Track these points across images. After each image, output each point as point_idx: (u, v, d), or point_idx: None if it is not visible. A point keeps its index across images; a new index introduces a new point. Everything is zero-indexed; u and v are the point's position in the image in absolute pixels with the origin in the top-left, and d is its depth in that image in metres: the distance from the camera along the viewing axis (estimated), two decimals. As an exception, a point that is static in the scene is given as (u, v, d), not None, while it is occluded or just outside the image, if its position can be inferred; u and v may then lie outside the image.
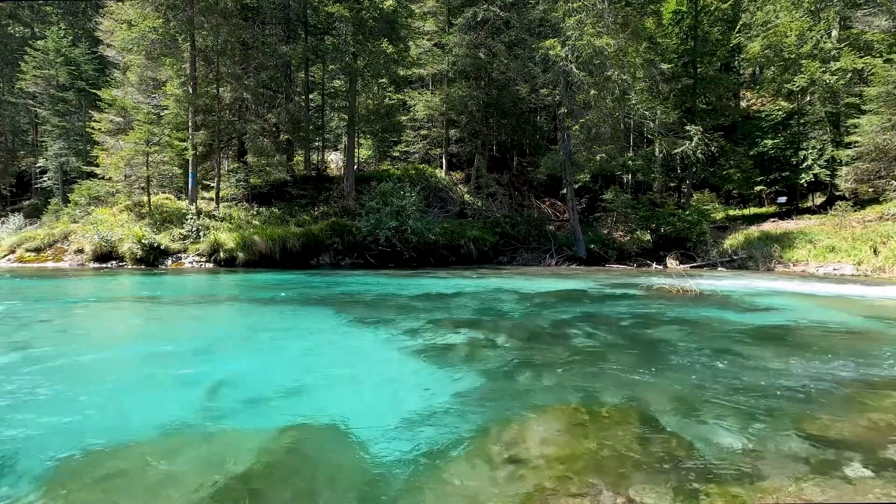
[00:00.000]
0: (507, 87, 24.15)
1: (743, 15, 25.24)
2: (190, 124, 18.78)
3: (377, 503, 2.62)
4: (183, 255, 16.90)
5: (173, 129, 18.98)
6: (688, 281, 11.49)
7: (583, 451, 3.14)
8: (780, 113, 23.25)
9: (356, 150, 25.42)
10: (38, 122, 29.87)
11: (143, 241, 16.32)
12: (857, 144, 18.60)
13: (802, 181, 21.68)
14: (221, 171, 20.24)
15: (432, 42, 25.59)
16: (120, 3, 20.48)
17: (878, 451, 3.15)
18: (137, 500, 2.61)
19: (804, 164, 21.37)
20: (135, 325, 7.85)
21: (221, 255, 16.50)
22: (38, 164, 28.95)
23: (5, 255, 17.80)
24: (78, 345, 6.22)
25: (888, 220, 17.41)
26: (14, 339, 6.30)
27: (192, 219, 17.58)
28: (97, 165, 20.27)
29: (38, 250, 17.77)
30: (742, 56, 25.93)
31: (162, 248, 16.67)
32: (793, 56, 21.65)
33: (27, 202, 30.14)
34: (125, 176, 19.60)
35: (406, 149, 27.72)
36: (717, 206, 25.84)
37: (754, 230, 20.44)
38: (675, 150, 21.71)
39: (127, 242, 16.41)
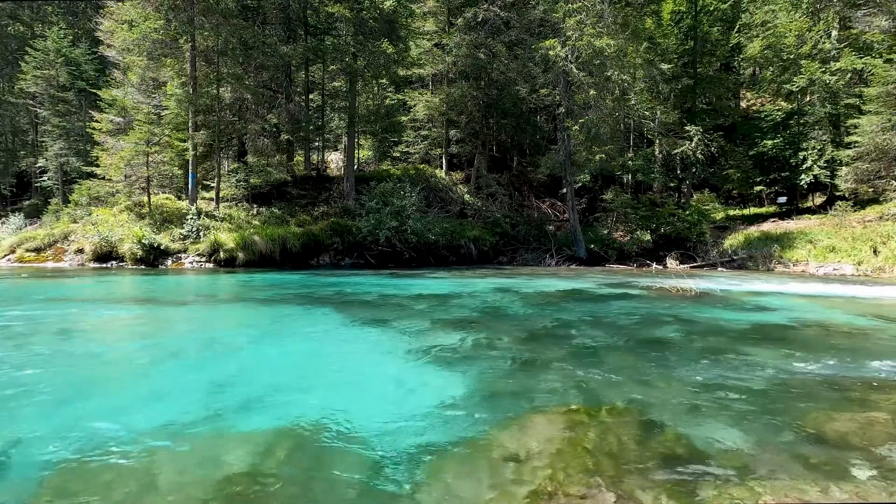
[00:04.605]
0: (507, 88, 24.14)
1: (742, 15, 25.26)
2: (190, 124, 18.79)
3: (376, 503, 2.63)
4: (183, 256, 16.90)
5: (173, 129, 18.99)
6: (688, 281, 11.49)
7: (583, 451, 3.14)
8: (780, 113, 23.26)
9: (356, 150, 25.42)
10: (38, 122, 29.88)
11: (143, 241, 16.32)
12: (857, 145, 18.60)
13: (802, 181, 21.69)
14: (221, 171, 20.24)
15: (432, 42, 25.57)
16: (120, 4, 20.49)
17: (878, 451, 3.15)
18: (136, 499, 2.62)
19: (804, 165, 21.37)
20: (133, 325, 7.85)
21: (221, 255, 16.50)
22: (38, 164, 28.96)
23: (5, 255, 17.80)
24: (77, 345, 6.22)
25: (888, 220, 17.42)
26: (8, 338, 6.30)
27: (192, 219, 17.58)
28: (97, 165, 20.28)
29: (38, 250, 17.77)
30: (742, 56, 25.94)
31: (162, 248, 16.67)
32: (792, 56, 21.67)
33: (27, 202, 30.17)
34: (125, 176, 19.61)
35: (406, 149, 27.72)
36: (717, 206, 25.85)
37: (754, 230, 20.45)
38: (675, 151, 21.74)
39: (127, 242, 16.41)
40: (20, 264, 17.04)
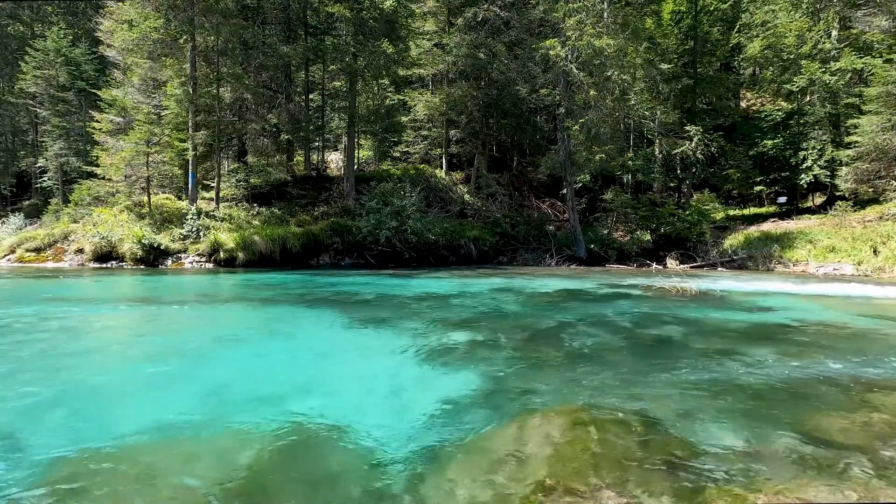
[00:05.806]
0: (507, 88, 24.13)
1: (742, 15, 25.25)
2: (190, 124, 18.78)
3: (377, 503, 2.62)
4: (183, 256, 16.90)
5: (173, 129, 18.98)
6: (688, 281, 11.49)
7: (583, 451, 3.14)
8: (780, 113, 23.24)
9: (356, 150, 25.41)
10: (38, 122, 29.88)
11: (143, 241, 16.32)
12: (857, 145, 18.59)
13: (802, 181, 21.68)
14: (221, 171, 20.24)
15: (432, 42, 25.57)
16: (120, 4, 20.49)
17: (878, 451, 3.15)
18: (138, 499, 2.62)
19: (804, 165, 21.36)
20: (134, 325, 7.85)
21: (221, 255, 16.50)
22: (38, 164, 28.96)
23: (5, 255, 17.80)
24: (74, 344, 6.22)
25: (888, 220, 17.41)
26: (6, 338, 6.29)
27: (192, 219, 17.58)
28: (97, 165, 20.27)
29: (38, 250, 17.76)
30: (742, 56, 25.94)
31: (162, 248, 16.66)
32: (792, 56, 21.66)
33: (27, 202, 30.17)
34: (125, 176, 19.61)
35: (406, 149, 27.71)
36: (717, 206, 25.83)
37: (754, 230, 20.45)
38: (675, 151, 21.72)
39: (127, 242, 16.41)
40: (20, 264, 17.04)
